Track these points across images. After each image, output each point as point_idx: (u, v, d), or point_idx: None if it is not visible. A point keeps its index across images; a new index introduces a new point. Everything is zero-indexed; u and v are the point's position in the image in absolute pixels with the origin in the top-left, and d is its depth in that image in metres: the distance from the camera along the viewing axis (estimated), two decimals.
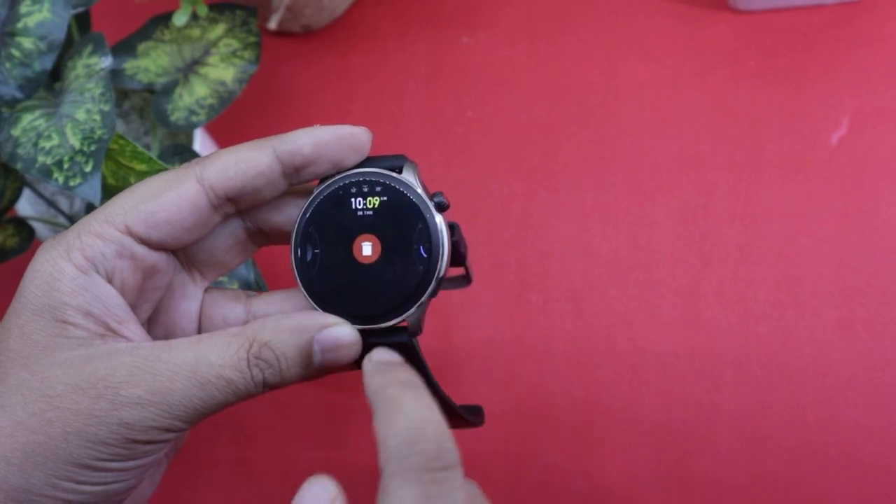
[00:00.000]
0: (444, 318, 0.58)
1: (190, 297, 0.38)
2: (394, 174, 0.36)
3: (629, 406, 0.55)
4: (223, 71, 0.53)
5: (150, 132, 0.56)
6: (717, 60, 0.61)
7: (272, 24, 0.63)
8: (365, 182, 0.36)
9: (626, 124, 0.61)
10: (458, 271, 0.39)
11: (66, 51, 0.48)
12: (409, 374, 0.32)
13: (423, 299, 0.35)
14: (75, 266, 0.34)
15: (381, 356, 0.33)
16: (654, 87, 0.61)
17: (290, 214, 0.37)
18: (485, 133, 0.62)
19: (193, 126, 0.51)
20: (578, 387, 0.56)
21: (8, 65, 0.45)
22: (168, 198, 0.34)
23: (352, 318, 0.35)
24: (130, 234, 0.34)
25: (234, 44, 0.54)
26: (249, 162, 0.35)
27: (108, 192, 0.47)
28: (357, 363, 0.36)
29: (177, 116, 0.52)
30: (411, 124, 0.63)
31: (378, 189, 0.35)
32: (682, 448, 0.54)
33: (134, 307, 0.35)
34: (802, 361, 0.55)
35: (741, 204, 0.58)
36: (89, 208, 0.50)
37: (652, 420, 0.55)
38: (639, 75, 0.62)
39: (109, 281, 0.34)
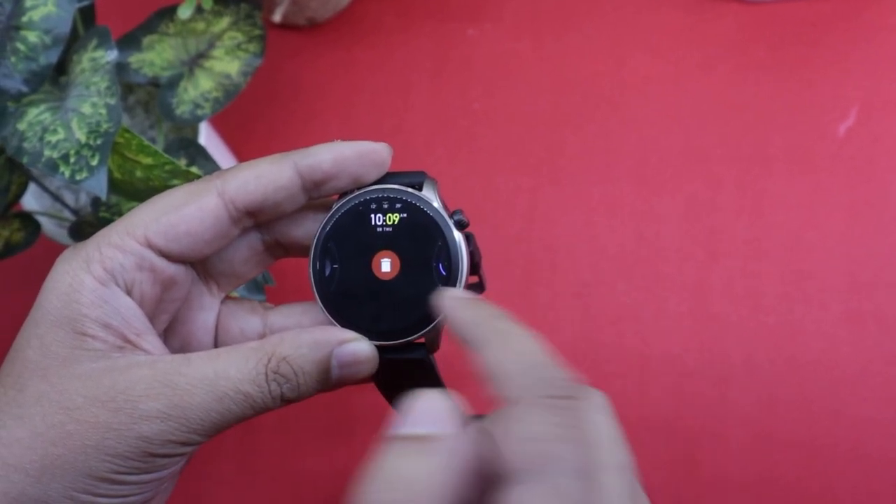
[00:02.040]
0: None
1: (207, 309, 0.38)
2: (414, 191, 0.36)
3: (637, 400, 0.55)
4: (228, 64, 0.53)
5: (155, 126, 0.56)
6: (723, 52, 0.61)
7: (277, 17, 0.63)
8: (385, 198, 0.36)
9: (632, 118, 0.61)
10: (471, 279, 0.39)
11: (72, 45, 0.48)
12: (501, 310, 0.32)
13: (440, 317, 0.35)
14: (95, 278, 0.34)
15: (458, 293, 0.34)
16: (659, 80, 0.61)
17: (309, 228, 0.37)
18: (490, 126, 0.62)
19: (198, 119, 0.51)
20: (586, 382, 0.55)
21: (13, 59, 0.45)
22: (188, 211, 0.35)
23: (369, 333, 0.35)
24: (150, 246, 0.34)
25: (239, 37, 0.53)
26: (270, 176, 0.35)
27: (114, 186, 0.46)
28: (371, 377, 0.36)
29: (182, 110, 0.51)
30: (416, 117, 0.62)
31: (398, 206, 0.36)
32: (691, 442, 0.54)
33: (152, 318, 0.36)
34: (811, 355, 0.54)
35: (748, 197, 0.58)
36: (95, 202, 0.50)
37: (660, 414, 0.55)
38: (645, 68, 0.62)
39: (129, 293, 0.34)
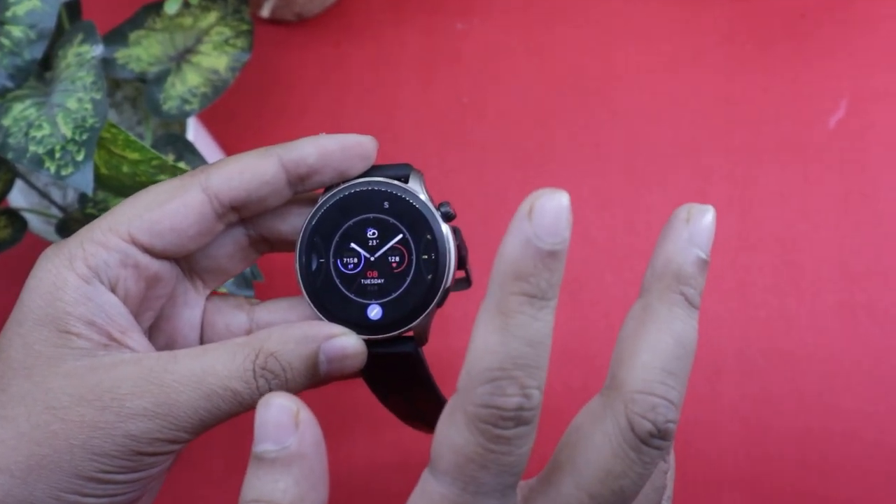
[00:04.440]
0: (440, 311, 0.57)
1: (192, 305, 0.38)
2: (400, 183, 0.35)
3: None
4: (216, 59, 0.52)
5: (142, 122, 0.56)
6: (713, 44, 0.61)
7: (265, 12, 0.62)
8: (370, 191, 0.35)
9: (622, 110, 0.60)
10: (458, 274, 0.39)
11: (57, 39, 0.48)
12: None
13: (429, 309, 0.35)
14: (78, 275, 0.33)
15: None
16: (650, 72, 0.61)
17: (294, 223, 0.37)
18: (480, 121, 0.61)
19: (186, 115, 0.51)
20: (577, 377, 0.55)
21: None
22: (173, 206, 0.34)
23: (357, 327, 0.35)
24: (134, 242, 0.34)
25: (227, 32, 0.53)
26: (254, 171, 0.35)
27: (101, 182, 0.46)
28: (360, 372, 0.35)
29: (169, 105, 0.51)
30: (405, 112, 0.62)
31: (384, 199, 0.35)
32: (684, 436, 0.54)
33: (137, 316, 0.35)
34: (804, 348, 0.54)
35: (739, 189, 0.58)
36: (82, 198, 0.49)
37: None
38: (635, 60, 0.61)
39: (113, 290, 0.34)
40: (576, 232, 0.58)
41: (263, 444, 0.28)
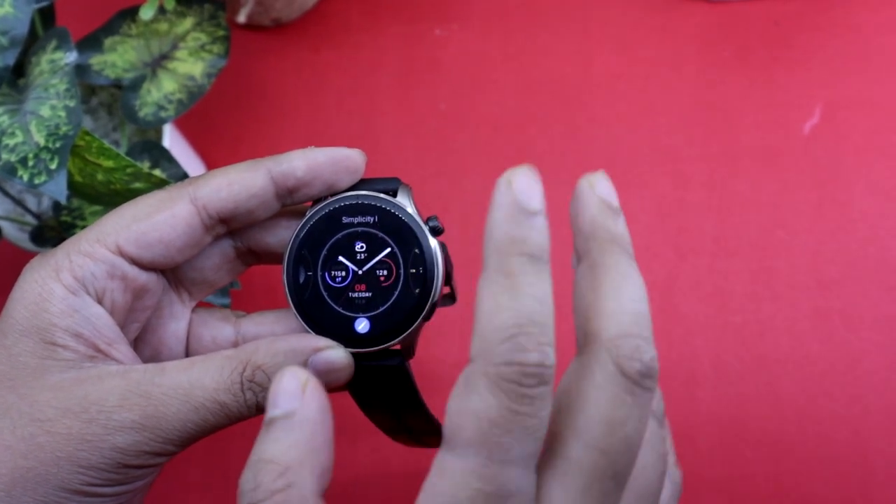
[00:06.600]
0: (427, 325, 0.57)
1: (178, 317, 0.37)
2: (388, 197, 0.35)
3: None
4: (192, 65, 0.52)
5: (118, 128, 0.55)
6: (690, 51, 0.61)
7: (241, 18, 0.62)
8: (359, 205, 0.35)
9: (600, 117, 0.61)
10: (444, 290, 0.39)
11: (30, 46, 0.47)
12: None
13: (416, 323, 0.35)
14: (65, 287, 0.33)
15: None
16: (627, 79, 0.61)
17: (282, 236, 0.37)
18: (458, 127, 0.61)
19: (162, 121, 0.51)
20: (559, 375, 0.55)
21: None
22: (161, 218, 0.34)
23: (345, 340, 0.35)
24: (122, 254, 0.34)
25: (203, 38, 0.53)
26: (243, 183, 0.35)
27: (75, 190, 0.46)
28: (347, 385, 0.35)
29: (145, 112, 0.51)
30: (384, 118, 0.62)
31: (372, 212, 0.35)
32: None
33: (122, 327, 0.35)
34: (779, 353, 0.55)
35: (716, 196, 0.58)
36: (56, 206, 0.49)
37: None
38: (612, 67, 0.62)
39: (99, 301, 0.34)
40: (554, 239, 0.58)
41: (272, 410, 0.28)
